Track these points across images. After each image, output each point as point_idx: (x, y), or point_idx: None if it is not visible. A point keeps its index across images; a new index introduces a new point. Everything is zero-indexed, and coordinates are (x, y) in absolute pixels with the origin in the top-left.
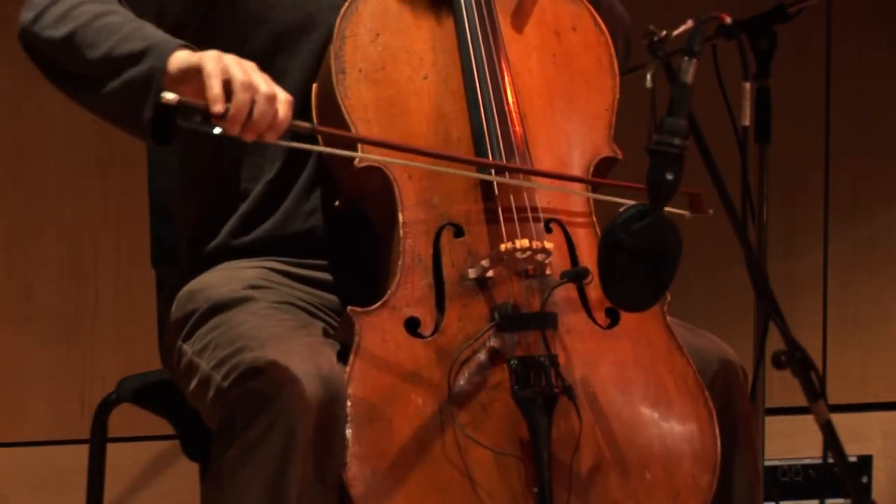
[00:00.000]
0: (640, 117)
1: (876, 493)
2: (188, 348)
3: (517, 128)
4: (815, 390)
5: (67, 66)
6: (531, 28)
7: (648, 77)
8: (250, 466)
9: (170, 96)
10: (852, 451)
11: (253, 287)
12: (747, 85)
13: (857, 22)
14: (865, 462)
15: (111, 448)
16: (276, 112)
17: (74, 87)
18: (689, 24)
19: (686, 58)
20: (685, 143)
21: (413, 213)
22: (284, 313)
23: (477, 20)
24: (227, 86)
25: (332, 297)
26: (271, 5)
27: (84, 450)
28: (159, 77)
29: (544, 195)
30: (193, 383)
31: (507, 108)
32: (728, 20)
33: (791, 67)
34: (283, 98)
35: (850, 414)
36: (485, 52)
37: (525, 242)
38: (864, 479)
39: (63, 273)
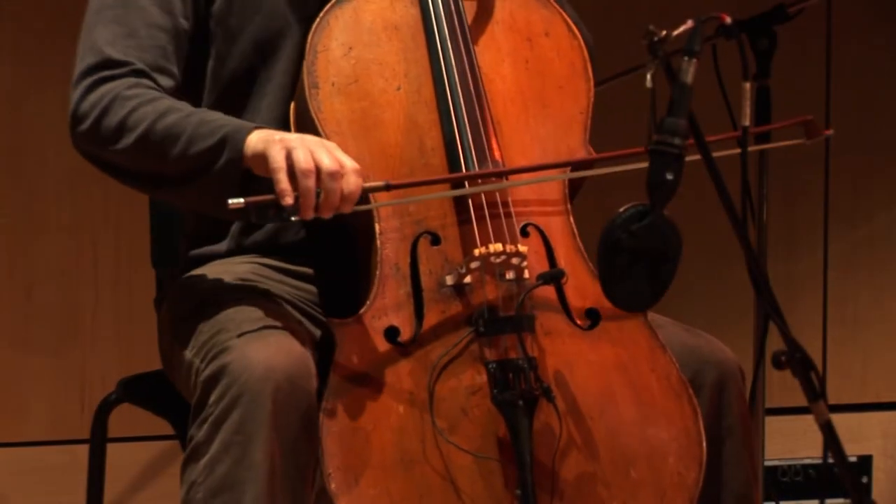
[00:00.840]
0: (640, 117)
1: (876, 493)
2: (179, 343)
3: (490, 135)
4: (815, 390)
5: (140, 170)
6: (503, 35)
7: (648, 77)
8: (219, 441)
9: (237, 201)
10: (852, 451)
11: (243, 280)
12: (747, 85)
13: (857, 22)
14: (865, 462)
15: (111, 448)
16: (341, 188)
17: (152, 187)
18: (689, 24)
19: (686, 58)
20: (685, 143)
21: (390, 222)
22: (267, 302)
23: (447, 29)
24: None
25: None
26: (249, 17)
27: (84, 450)
28: (238, 169)
29: (520, 203)
30: (181, 373)
31: (478, 116)
32: (728, 20)
33: (791, 67)
34: (350, 168)
35: (850, 414)
36: (455, 60)
37: (498, 247)
38: (864, 479)
39: (63, 273)
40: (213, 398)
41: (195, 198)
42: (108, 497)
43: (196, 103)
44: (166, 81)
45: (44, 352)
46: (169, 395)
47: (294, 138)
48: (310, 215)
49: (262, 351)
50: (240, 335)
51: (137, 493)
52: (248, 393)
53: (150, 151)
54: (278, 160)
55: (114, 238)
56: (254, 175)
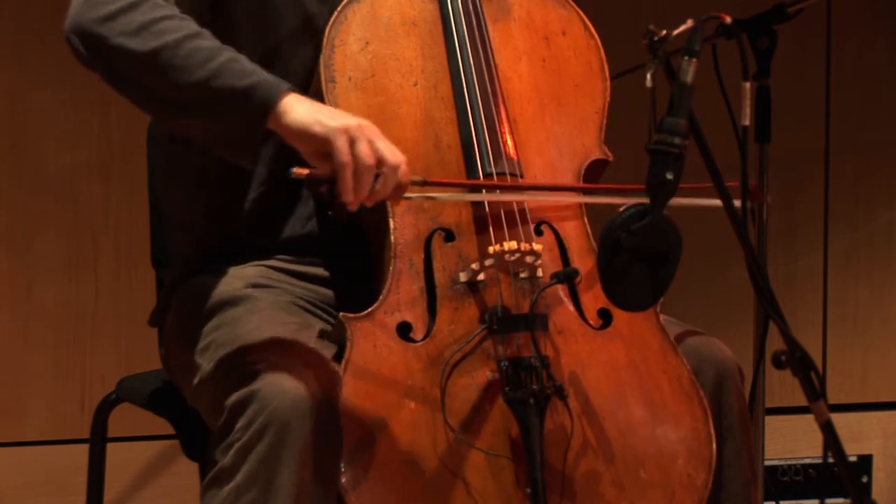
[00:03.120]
0: (641, 117)
1: (876, 493)
2: (189, 348)
3: (506, 133)
4: (815, 390)
5: (145, 81)
6: (520, 33)
7: (648, 77)
8: (246, 470)
9: (300, 172)
10: (852, 450)
11: (254, 286)
12: (747, 85)
13: (857, 22)
14: (865, 462)
15: (111, 448)
16: (398, 183)
17: (147, 101)
18: (689, 23)
19: (686, 57)
20: (685, 143)
21: (404, 218)
22: (285, 313)
23: (465, 26)
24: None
25: (331, 293)
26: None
27: (84, 450)
28: (263, 121)
29: (534, 201)
30: (193, 382)
31: (495, 114)
32: (728, 20)
33: (791, 67)
34: (403, 160)
35: (850, 414)
36: (473, 57)
37: (513, 244)
38: (864, 479)
39: (63, 273)
40: (240, 424)
41: (201, 132)
42: (108, 497)
43: None
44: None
45: (44, 352)
46: (169, 394)
47: (353, 126)
48: (356, 207)
49: (290, 378)
50: (267, 358)
51: (137, 493)
52: (277, 422)
53: (169, 66)
54: (346, 154)
55: (114, 238)
56: (268, 133)
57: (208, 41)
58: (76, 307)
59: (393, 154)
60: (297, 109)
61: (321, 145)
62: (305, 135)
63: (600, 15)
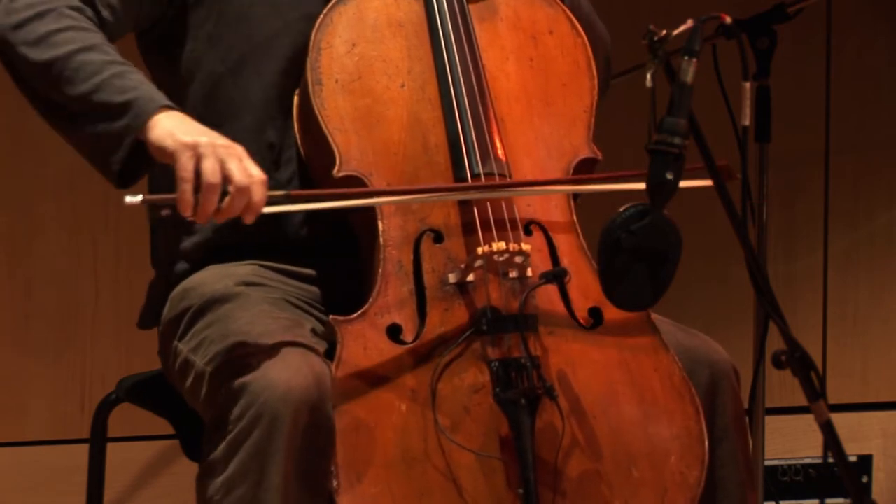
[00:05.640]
0: (641, 117)
1: (876, 493)
2: (183, 347)
3: (494, 133)
4: (815, 390)
5: (41, 90)
6: (507, 33)
7: (648, 77)
8: (238, 462)
9: (135, 200)
10: (852, 450)
11: (246, 284)
12: (747, 85)
13: (857, 22)
14: (865, 462)
15: (111, 448)
16: (247, 203)
17: (44, 109)
18: (689, 23)
19: (686, 57)
20: (685, 143)
21: (393, 220)
22: (278, 310)
23: (451, 26)
24: (199, 178)
25: (324, 293)
26: (248, 4)
27: (84, 450)
28: (132, 138)
29: (523, 201)
30: (189, 381)
31: (482, 114)
32: (728, 20)
33: (791, 67)
34: (258, 179)
35: (850, 414)
36: (459, 58)
37: (502, 245)
38: (864, 479)
39: (63, 273)
40: (231, 417)
41: (80, 143)
42: (108, 497)
43: (181, 93)
44: (107, 14)
45: (44, 351)
46: (170, 394)
47: (205, 143)
48: (204, 222)
49: (282, 371)
50: (258, 352)
51: (137, 493)
52: (268, 414)
53: (59, 77)
54: (187, 170)
55: (114, 238)
56: (145, 146)
57: (101, 54)
58: (76, 307)
59: (243, 174)
60: (162, 125)
61: (169, 161)
62: (161, 150)
63: (599, 15)
